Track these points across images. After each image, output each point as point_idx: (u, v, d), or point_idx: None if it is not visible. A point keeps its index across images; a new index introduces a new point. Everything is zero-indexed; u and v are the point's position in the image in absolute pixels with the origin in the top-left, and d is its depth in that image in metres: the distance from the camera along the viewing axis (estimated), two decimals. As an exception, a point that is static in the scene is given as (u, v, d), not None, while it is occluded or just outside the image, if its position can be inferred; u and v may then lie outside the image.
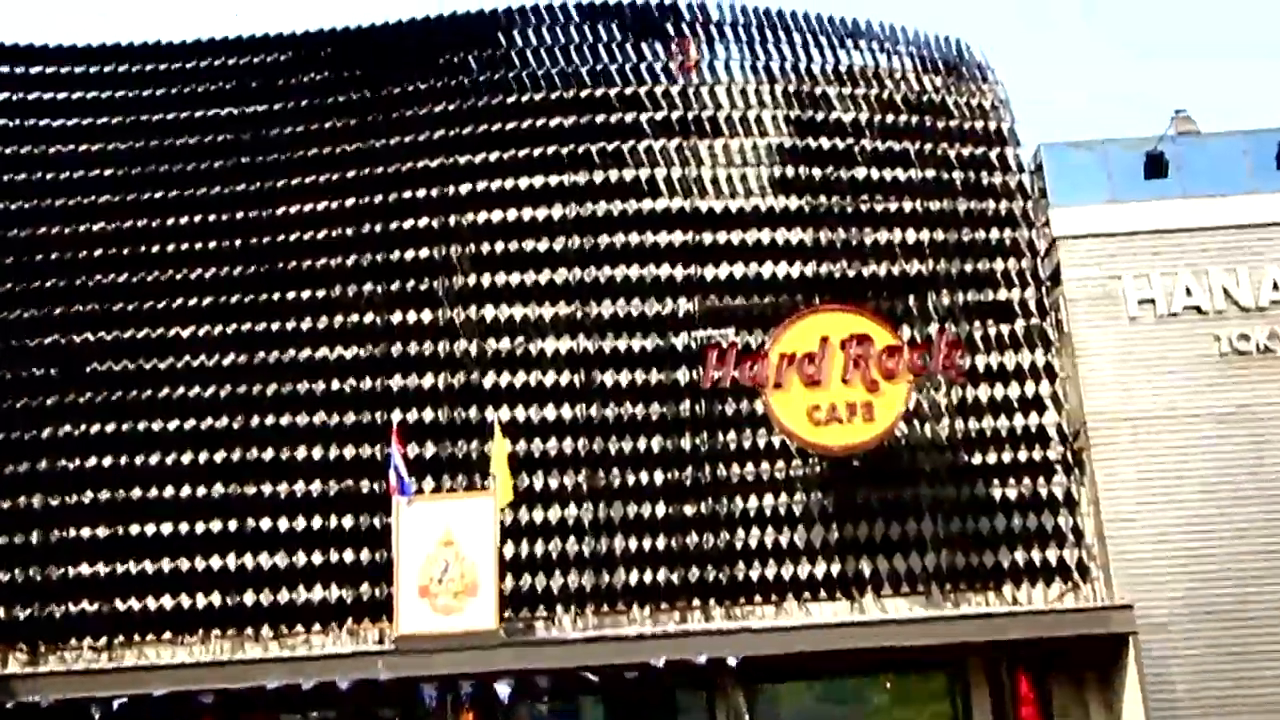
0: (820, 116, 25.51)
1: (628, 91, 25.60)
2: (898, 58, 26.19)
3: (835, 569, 22.09)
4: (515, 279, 24.50)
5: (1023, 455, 22.60)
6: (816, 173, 25.02)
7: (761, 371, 22.27)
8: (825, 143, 25.27)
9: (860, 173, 25.03)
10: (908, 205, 24.80)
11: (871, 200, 24.88)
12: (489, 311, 24.36)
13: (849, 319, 22.52)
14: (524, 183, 25.04)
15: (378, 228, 24.98)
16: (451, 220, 24.94)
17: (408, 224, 24.96)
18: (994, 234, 24.55)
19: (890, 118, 25.54)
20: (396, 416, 23.23)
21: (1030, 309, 23.69)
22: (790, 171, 25.03)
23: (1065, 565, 21.93)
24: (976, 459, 22.68)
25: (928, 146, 25.25)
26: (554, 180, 24.99)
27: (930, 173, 25.08)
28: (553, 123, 25.35)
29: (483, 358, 24.08)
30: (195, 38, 27.12)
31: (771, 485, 22.86)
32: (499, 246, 24.73)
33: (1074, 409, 22.89)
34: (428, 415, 23.73)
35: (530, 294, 24.38)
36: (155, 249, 25.21)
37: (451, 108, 25.71)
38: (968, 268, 24.34)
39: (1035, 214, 24.71)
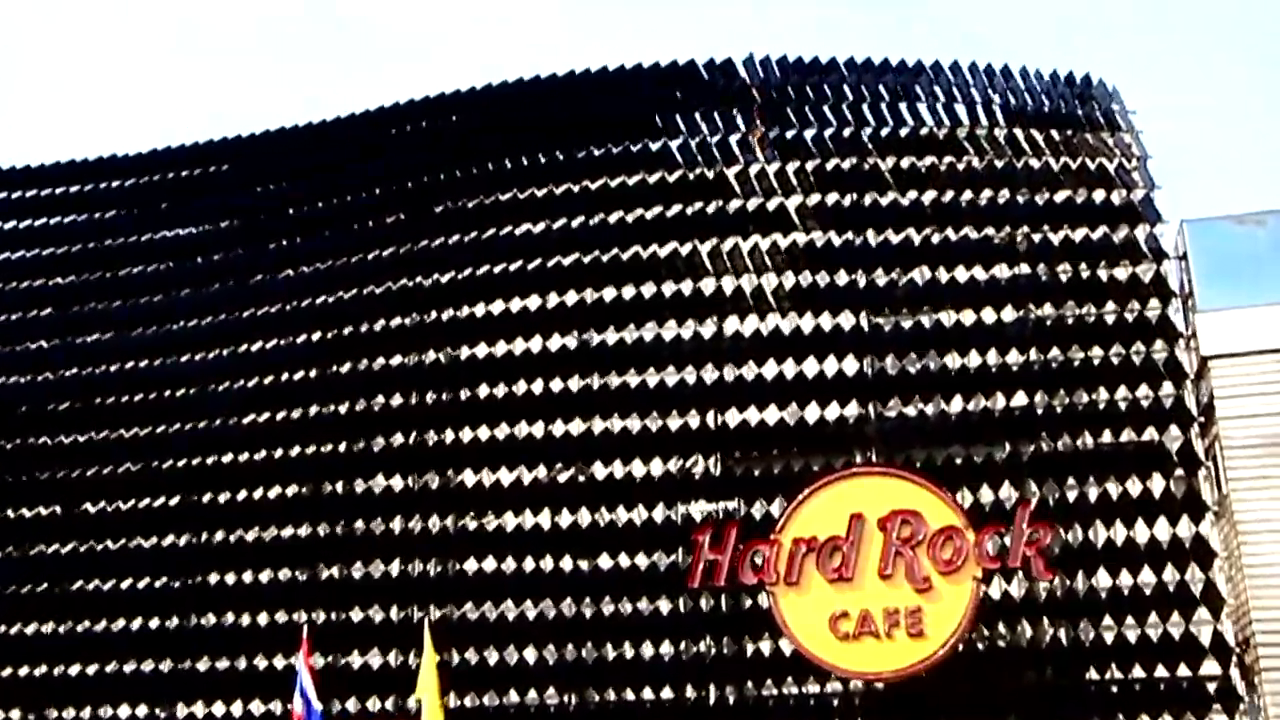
0: (866, 200, 19.00)
1: (613, 184, 19.94)
2: (981, 108, 19.42)
3: (890, 838, 16.99)
4: (468, 435, 19.41)
5: (1161, 673, 16.83)
6: (860, 279, 18.64)
7: (769, 564, 16.32)
8: (872, 238, 18.85)
9: (921, 275, 18.57)
10: (989, 315, 18.28)
11: (935, 311, 18.36)
12: (434, 479, 19.37)
13: (890, 487, 17.35)
14: (482, 309, 19.86)
15: (331, 369, 20.44)
16: (411, 359, 20.07)
17: (346, 367, 20.37)
18: (1116, 352, 17.97)
19: (966, 196, 18.93)
20: (317, 617, 18.43)
21: (1172, 459, 17.53)
22: (821, 279, 18.68)
23: (1230, 842, 16.06)
24: (1093, 677, 17.03)
25: (1020, 232, 18.58)
26: (500, 307, 19.80)
27: (1023, 269, 18.55)
28: (519, 231, 19.93)
29: (427, 537, 19.03)
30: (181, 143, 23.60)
31: (804, 712, 17.69)
32: (447, 395, 19.71)
33: (1239, 606, 17.59)
34: (355, 615, 18.91)
35: (486, 455, 19.15)
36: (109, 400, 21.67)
37: (405, 217, 20.73)
38: (1079, 401, 18.02)
39: (1180, 321, 17.93)
